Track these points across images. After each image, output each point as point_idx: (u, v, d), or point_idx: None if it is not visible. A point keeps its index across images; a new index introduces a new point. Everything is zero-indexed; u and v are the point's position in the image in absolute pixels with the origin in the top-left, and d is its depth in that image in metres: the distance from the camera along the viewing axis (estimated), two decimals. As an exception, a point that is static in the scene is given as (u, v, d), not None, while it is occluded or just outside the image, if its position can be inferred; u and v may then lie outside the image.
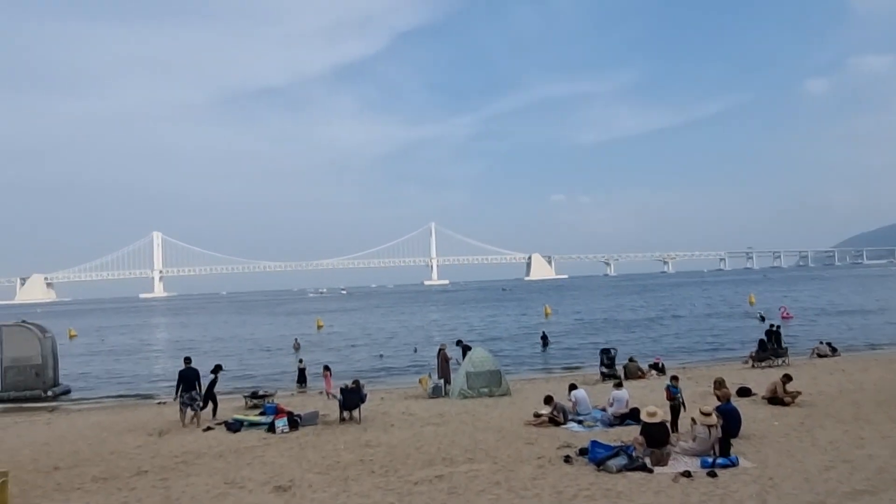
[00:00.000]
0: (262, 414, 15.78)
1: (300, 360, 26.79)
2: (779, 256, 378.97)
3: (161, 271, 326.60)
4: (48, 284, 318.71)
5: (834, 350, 26.09)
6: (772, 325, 27.36)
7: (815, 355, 25.56)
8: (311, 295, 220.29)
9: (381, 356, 36.73)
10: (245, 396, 18.70)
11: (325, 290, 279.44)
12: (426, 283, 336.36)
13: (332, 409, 16.22)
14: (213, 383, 17.17)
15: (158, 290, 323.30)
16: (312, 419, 15.24)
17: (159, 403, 17.93)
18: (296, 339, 44.67)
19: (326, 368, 21.05)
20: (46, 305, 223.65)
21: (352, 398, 15.12)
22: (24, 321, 28.47)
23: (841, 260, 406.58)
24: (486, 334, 46.59)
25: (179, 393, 16.05)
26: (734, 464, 9.67)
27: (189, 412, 16.00)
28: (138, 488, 10.30)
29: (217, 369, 17.76)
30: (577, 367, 27.22)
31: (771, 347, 23.82)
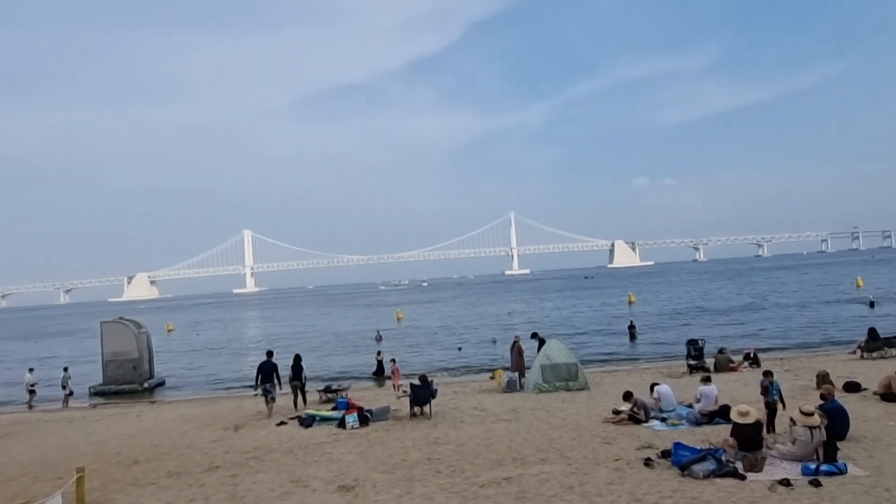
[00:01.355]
0: (334, 409, 15.73)
1: (378, 353, 26.83)
2: (889, 236, 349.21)
3: (252, 267, 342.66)
4: (151, 282, 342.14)
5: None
6: None
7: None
8: (382, 288, 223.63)
9: (460, 348, 36.48)
10: (319, 391, 18.79)
11: (406, 282, 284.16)
12: (507, 272, 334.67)
13: (404, 403, 15.94)
14: (298, 371, 17.52)
15: (250, 286, 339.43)
16: (383, 414, 15.02)
17: (256, 395, 18.26)
18: (377, 331, 45.20)
19: (393, 362, 20.86)
20: (149, 302, 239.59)
21: (421, 393, 14.78)
22: (121, 318, 30.21)
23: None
24: (568, 324, 45.43)
25: (259, 384, 16.86)
26: (841, 471, 8.51)
27: (271, 404, 16.72)
28: (207, 484, 10.35)
29: (297, 359, 17.92)
30: (663, 359, 25.74)
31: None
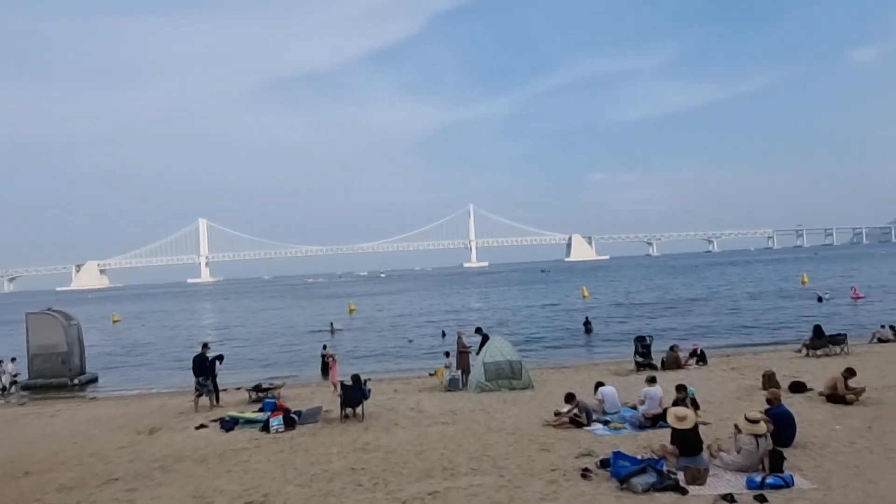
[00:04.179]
0: (260, 410, 14.63)
1: (324, 347, 25.62)
2: (831, 233, 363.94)
3: (207, 257, 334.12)
4: (101, 271, 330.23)
5: (897, 334, 23.61)
6: None
7: (876, 340, 23.17)
8: (341, 278, 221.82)
9: (411, 341, 35.71)
10: (248, 389, 17.59)
11: (364, 273, 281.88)
12: (465, 265, 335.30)
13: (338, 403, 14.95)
14: (211, 367, 16.70)
15: (205, 276, 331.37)
16: (313, 416, 14.00)
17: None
18: (332, 323, 43.95)
19: (332, 356, 19.83)
20: (98, 291, 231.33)
21: (352, 394, 13.80)
22: (50, 309, 28.27)
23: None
24: (522, 318, 45.02)
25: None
26: (788, 484, 7.92)
27: (202, 399, 16.44)
28: (99, 502, 9.18)
29: (217, 357, 17.16)
30: (613, 356, 25.31)
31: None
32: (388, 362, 28.29)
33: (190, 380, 17.15)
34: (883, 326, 24.61)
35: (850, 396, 12.53)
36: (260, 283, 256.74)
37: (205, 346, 17.57)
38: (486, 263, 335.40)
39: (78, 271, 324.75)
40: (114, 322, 63.71)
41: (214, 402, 16.64)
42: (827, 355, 19.78)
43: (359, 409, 13.97)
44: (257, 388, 17.30)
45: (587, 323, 34.85)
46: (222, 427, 13.62)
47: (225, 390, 19.21)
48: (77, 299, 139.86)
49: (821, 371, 15.78)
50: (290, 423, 13.27)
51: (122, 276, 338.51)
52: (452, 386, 17.35)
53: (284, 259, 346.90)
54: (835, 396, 12.69)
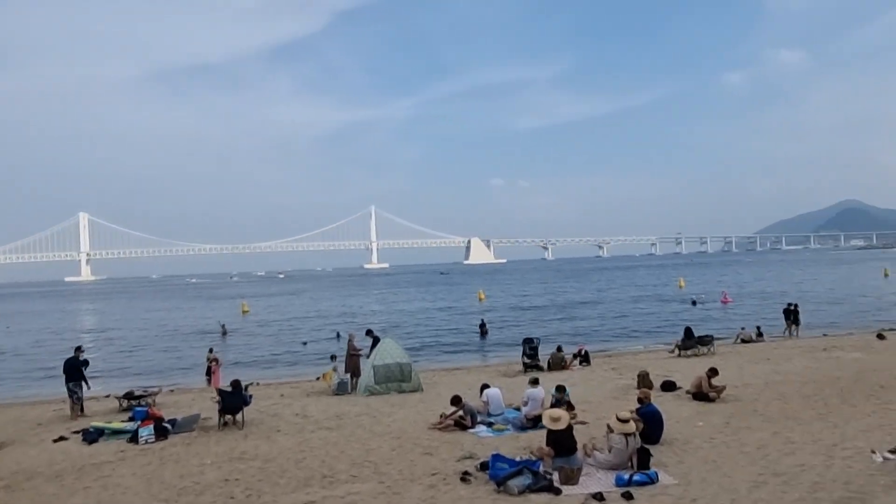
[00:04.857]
0: (130, 420, 13.60)
1: (210, 350, 24.28)
2: (705, 242, 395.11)
3: (88, 254, 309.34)
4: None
5: (760, 335, 25.83)
6: (790, 305, 28.35)
7: (740, 341, 25.19)
8: (235, 279, 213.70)
9: (305, 343, 34.83)
10: (118, 397, 16.35)
11: (261, 273, 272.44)
12: (366, 266, 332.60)
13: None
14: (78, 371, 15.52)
15: (86, 274, 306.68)
16: (189, 425, 13.21)
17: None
18: (222, 325, 41.98)
19: (215, 360, 18.88)
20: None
21: (231, 401, 13.15)
22: None
23: (762, 245, 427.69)
24: (420, 320, 45.11)
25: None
26: (653, 480, 8.33)
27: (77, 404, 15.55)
28: (-77, 529, 8.14)
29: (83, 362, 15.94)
30: (504, 358, 25.80)
31: (790, 322, 27.12)
32: (279, 366, 27.42)
33: (56, 389, 15.86)
34: (744, 328, 26.82)
35: (712, 394, 13.46)
36: (147, 282, 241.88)
37: (78, 349, 16.51)
38: (386, 265, 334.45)
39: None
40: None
41: (79, 413, 15.35)
42: (696, 355, 21.24)
43: (239, 417, 13.33)
44: (129, 396, 16.10)
45: (482, 325, 35.42)
46: (84, 439, 12.53)
47: (95, 398, 17.89)
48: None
49: (690, 370, 16.85)
50: (161, 433, 12.43)
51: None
52: (341, 390, 16.99)
53: (175, 258, 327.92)
54: (700, 394, 13.59)
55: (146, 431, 12.27)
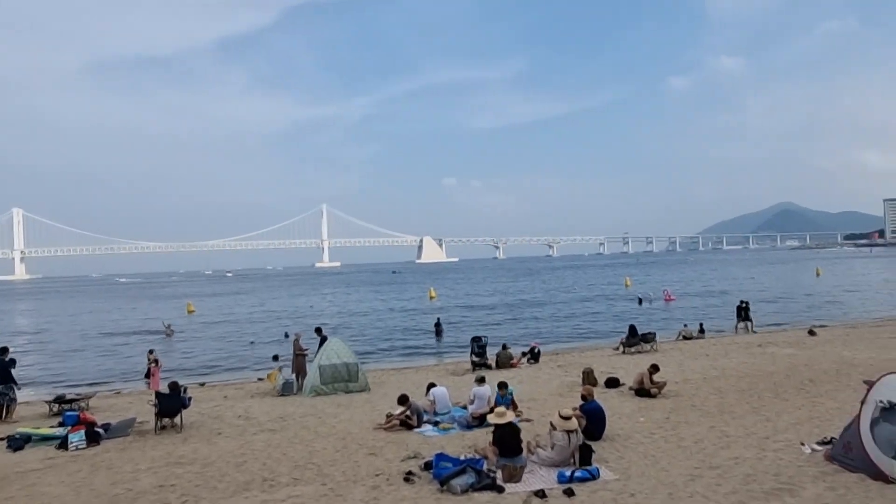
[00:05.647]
0: (60, 425, 12.98)
1: (150, 352, 23.42)
2: (651, 242, 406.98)
3: (22, 251, 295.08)
4: None
5: (702, 331, 26.64)
6: (742, 302, 29.31)
7: (681, 337, 25.92)
8: (175, 279, 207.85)
9: (252, 343, 34.07)
10: (48, 402, 15.59)
11: (209, 272, 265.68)
12: (317, 265, 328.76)
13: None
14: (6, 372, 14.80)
15: (20, 272, 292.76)
16: (124, 429, 12.70)
17: None
18: (168, 325, 40.66)
19: (155, 362, 18.25)
20: None
21: (169, 403, 12.70)
22: None
23: (704, 245, 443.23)
24: (371, 320, 44.74)
25: None
26: (594, 476, 8.44)
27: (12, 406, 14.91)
28: None
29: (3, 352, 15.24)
30: (455, 356, 25.80)
31: (742, 319, 28.04)
32: (225, 366, 26.72)
33: None
34: (686, 325, 27.64)
35: (653, 390, 13.78)
36: (85, 281, 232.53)
37: (4, 349, 15.64)
38: (338, 263, 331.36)
39: None
40: None
41: (6, 416, 14.57)
42: (639, 352, 21.76)
43: (177, 420, 12.89)
44: (59, 400, 15.35)
45: (438, 325, 35.29)
46: (10, 446, 11.85)
47: (26, 403, 17.05)
48: None
49: (633, 367, 17.23)
50: (94, 439, 11.89)
51: None
52: (286, 390, 16.66)
53: (117, 256, 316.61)
54: (641, 390, 13.89)
55: (77, 437, 11.71)
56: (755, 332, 27.06)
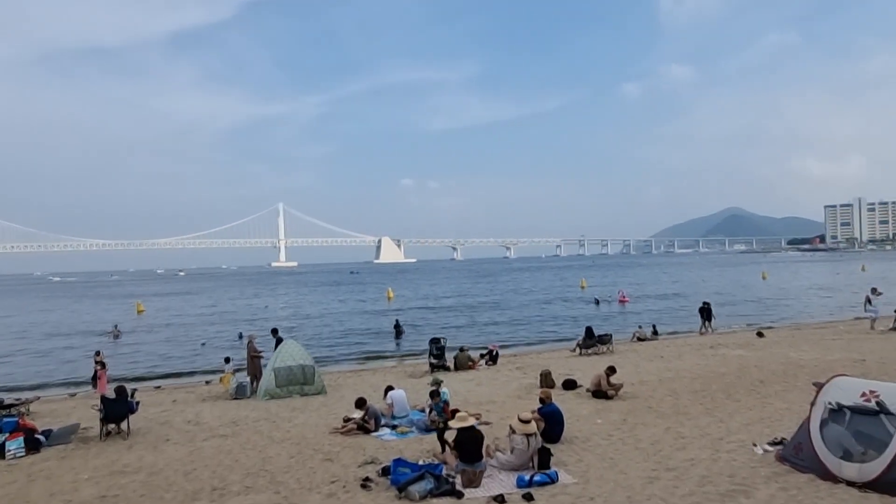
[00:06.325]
0: (-4, 432, 12.27)
1: (97, 353, 22.41)
2: (606, 244, 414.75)
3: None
4: None
5: (656, 333, 27.13)
6: (704, 303, 29.66)
7: (636, 339, 26.33)
8: (114, 278, 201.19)
9: (203, 344, 33.18)
10: (-16, 407, 14.75)
11: (161, 271, 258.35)
12: (273, 264, 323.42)
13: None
14: None
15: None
16: (66, 436, 12.12)
17: None
18: (115, 326, 39.27)
19: (101, 364, 17.53)
20: None
21: (115, 409, 12.17)
22: None
23: (657, 249, 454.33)
24: (329, 321, 44.10)
25: None
26: (553, 480, 8.40)
27: None
28: None
29: None
30: (415, 358, 25.58)
31: (704, 320, 28.51)
32: (175, 369, 25.88)
33: None
34: (640, 327, 28.12)
35: (611, 392, 13.90)
36: (27, 279, 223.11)
37: None
38: (295, 263, 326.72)
39: None
40: None
41: None
42: (596, 354, 21.99)
43: (123, 425, 12.36)
44: (-2, 405, 14.55)
45: (397, 325, 34.98)
46: (-61, 456, 11.16)
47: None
48: None
49: (590, 368, 17.36)
50: (33, 446, 11.30)
51: None
52: (239, 394, 16.21)
53: (62, 254, 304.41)
54: (599, 392, 13.99)
55: (15, 445, 11.11)
56: (713, 332, 27.70)
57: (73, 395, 19.35)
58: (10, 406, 14.65)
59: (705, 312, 29.01)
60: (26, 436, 11.48)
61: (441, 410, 11.72)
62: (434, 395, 12.10)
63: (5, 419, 12.95)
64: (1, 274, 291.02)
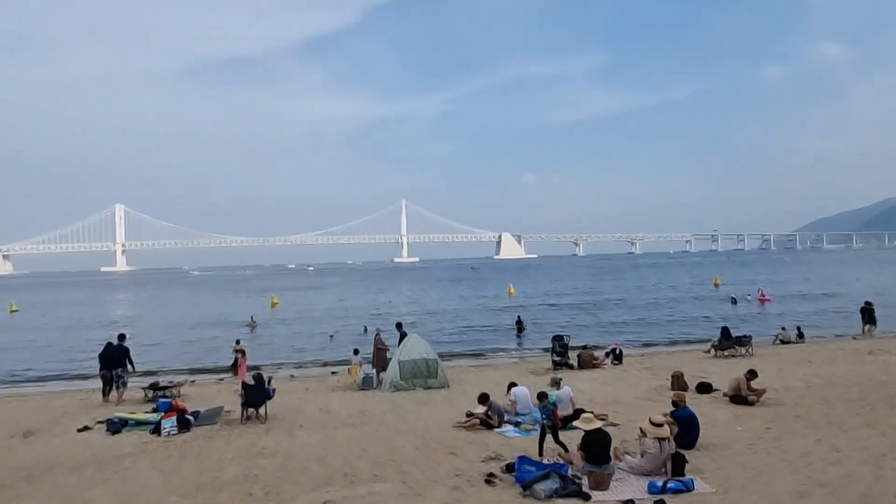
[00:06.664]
0: (154, 410, 13.59)
1: (237, 342, 24.29)
2: (742, 239, 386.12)
3: (123, 244, 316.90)
4: (4, 256, 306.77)
5: (801, 336, 24.81)
6: (866, 303, 27.13)
7: (779, 342, 24.22)
8: (247, 272, 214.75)
9: (332, 336, 34.75)
10: (144, 388, 16.40)
11: (292, 266, 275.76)
12: (396, 260, 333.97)
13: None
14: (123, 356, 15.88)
15: (121, 264, 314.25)
16: (212, 417, 13.14)
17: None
18: (251, 318, 42.32)
19: (241, 353, 18.83)
20: (1, 278, 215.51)
21: (254, 394, 13.01)
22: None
23: (802, 244, 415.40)
24: (451, 315, 44.77)
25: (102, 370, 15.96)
26: (689, 488, 7.86)
27: (116, 391, 15.81)
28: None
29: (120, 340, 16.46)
30: (536, 354, 25.23)
31: (866, 322, 25.88)
32: (306, 359, 27.36)
33: (84, 378, 16.04)
34: (784, 328, 25.79)
35: (751, 397, 12.84)
36: (179, 273, 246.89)
37: (122, 336, 16.89)
38: (417, 259, 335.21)
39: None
40: (12, 312, 59.24)
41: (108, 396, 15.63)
42: (733, 356, 20.45)
43: (262, 410, 13.20)
44: (153, 387, 16.14)
45: (519, 322, 34.71)
46: (108, 430, 12.55)
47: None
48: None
49: (727, 372, 16.20)
50: (184, 425, 12.37)
51: (29, 263, 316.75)
52: (366, 385, 16.77)
53: (207, 249, 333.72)
54: (738, 397, 12.97)
55: (169, 423, 12.22)
56: (872, 337, 24.89)
57: (220, 380, 20.99)
58: (165, 388, 16.19)
59: (867, 313, 26.09)
60: (178, 416, 12.59)
61: (549, 414, 10.14)
62: (542, 396, 10.41)
63: (161, 400, 14.34)
64: (154, 268, 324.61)
